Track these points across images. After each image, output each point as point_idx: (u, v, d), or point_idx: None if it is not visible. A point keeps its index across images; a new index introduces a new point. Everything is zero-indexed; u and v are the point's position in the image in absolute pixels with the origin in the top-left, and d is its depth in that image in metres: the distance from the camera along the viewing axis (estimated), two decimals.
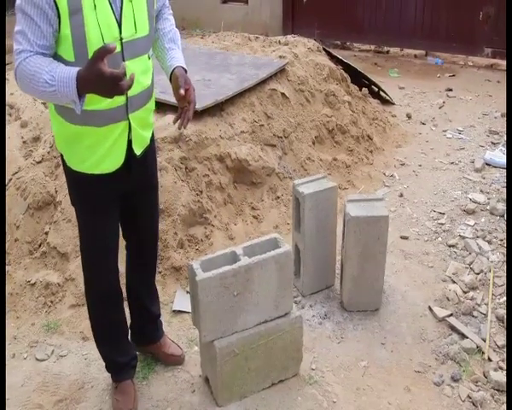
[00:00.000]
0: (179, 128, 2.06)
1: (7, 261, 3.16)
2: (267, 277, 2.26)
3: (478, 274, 3.10)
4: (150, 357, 2.62)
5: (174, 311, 2.92)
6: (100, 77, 1.60)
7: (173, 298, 2.99)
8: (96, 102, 1.81)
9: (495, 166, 4.37)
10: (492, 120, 5.43)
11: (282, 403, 2.38)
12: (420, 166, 4.52)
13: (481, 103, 5.91)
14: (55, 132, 2.06)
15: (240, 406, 2.37)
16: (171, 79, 2.07)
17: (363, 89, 5.36)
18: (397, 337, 2.76)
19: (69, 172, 2.06)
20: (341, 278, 2.93)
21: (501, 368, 2.53)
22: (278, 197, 3.79)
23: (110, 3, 1.79)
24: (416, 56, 7.82)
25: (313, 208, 2.85)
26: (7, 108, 3.95)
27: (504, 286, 2.97)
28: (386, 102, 5.80)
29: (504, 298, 2.91)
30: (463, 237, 3.42)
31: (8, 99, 3.99)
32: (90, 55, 1.67)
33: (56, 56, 1.78)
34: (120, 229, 2.28)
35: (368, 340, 2.74)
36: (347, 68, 5.31)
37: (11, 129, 3.72)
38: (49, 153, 3.45)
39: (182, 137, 3.43)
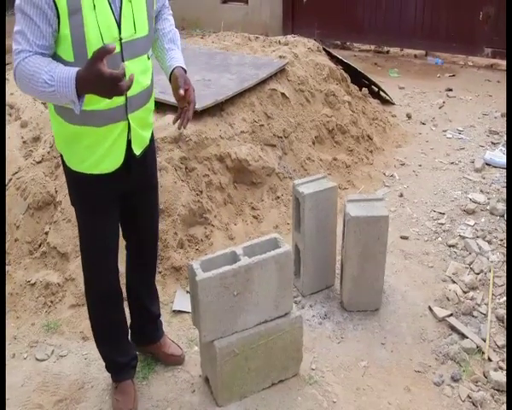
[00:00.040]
0: (179, 128, 2.06)
1: (7, 261, 3.16)
2: (267, 277, 2.26)
3: (478, 274, 3.10)
4: (150, 357, 2.62)
5: (174, 311, 2.92)
6: (99, 77, 1.59)
7: (173, 298, 2.99)
8: (95, 103, 1.81)
9: (495, 166, 4.37)
10: (492, 120, 5.43)
11: (282, 403, 2.38)
12: (420, 166, 4.51)
13: (481, 103, 5.91)
14: (54, 132, 2.06)
15: (240, 406, 2.37)
16: (170, 80, 2.07)
17: (363, 89, 5.36)
18: (397, 337, 2.76)
19: (69, 172, 2.06)
20: (341, 278, 2.93)
21: (501, 368, 2.53)
22: (278, 197, 3.79)
23: (109, 4, 1.78)
24: (415, 56, 7.82)
25: (313, 208, 2.85)
26: (7, 108, 3.95)
27: (504, 286, 2.97)
28: (386, 102, 5.80)
29: (504, 298, 2.91)
30: (463, 237, 3.42)
31: (8, 99, 3.99)
32: (90, 55, 1.67)
33: (55, 56, 1.78)
34: (120, 229, 2.28)
35: (368, 340, 2.74)
36: (347, 68, 5.31)
37: (11, 129, 3.72)
38: (49, 153, 3.46)
39: (182, 137, 3.43)
